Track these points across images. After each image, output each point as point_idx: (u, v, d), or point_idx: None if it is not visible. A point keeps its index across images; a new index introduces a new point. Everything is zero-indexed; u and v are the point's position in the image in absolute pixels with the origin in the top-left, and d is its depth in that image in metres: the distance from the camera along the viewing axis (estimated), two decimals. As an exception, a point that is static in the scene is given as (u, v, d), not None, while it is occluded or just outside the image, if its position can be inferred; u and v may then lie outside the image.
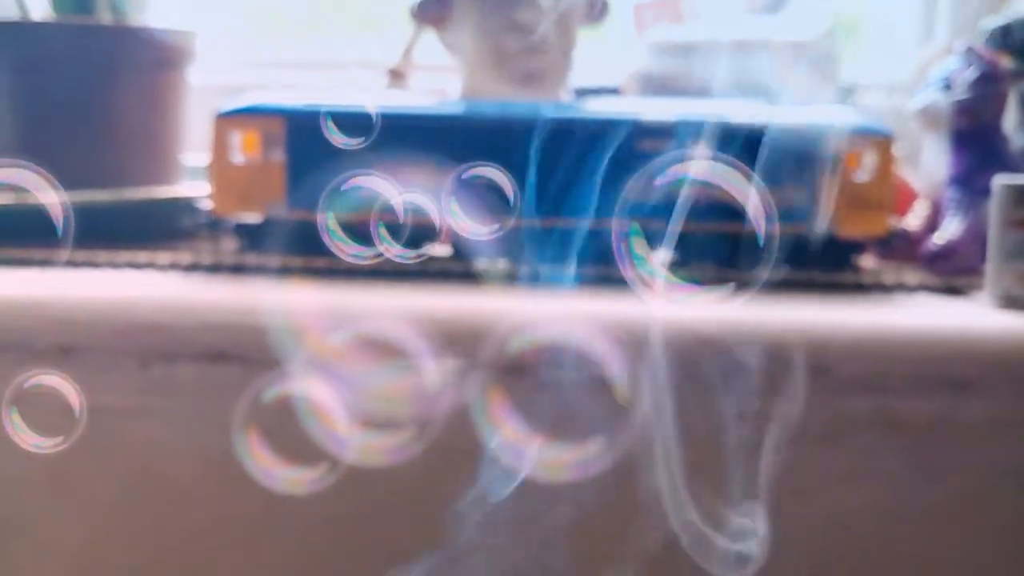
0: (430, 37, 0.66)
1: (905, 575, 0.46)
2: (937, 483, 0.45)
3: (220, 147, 0.50)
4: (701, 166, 0.48)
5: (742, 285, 0.48)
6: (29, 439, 0.40)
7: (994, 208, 0.46)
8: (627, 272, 0.45)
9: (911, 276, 0.52)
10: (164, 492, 0.47)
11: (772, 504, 0.45)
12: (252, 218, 0.50)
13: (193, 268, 0.51)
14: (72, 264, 0.51)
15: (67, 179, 0.53)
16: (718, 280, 0.47)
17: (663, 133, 0.49)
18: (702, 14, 0.71)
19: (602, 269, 0.44)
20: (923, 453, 0.45)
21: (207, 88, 0.60)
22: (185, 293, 0.47)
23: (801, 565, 0.46)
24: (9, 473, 0.47)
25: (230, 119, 0.50)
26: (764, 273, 0.48)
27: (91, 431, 0.46)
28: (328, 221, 0.45)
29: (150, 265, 0.51)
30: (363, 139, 0.46)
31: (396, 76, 0.67)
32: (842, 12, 0.70)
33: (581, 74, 0.65)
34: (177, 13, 0.64)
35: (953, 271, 0.51)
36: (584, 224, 0.47)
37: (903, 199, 0.58)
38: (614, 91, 0.68)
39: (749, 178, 0.48)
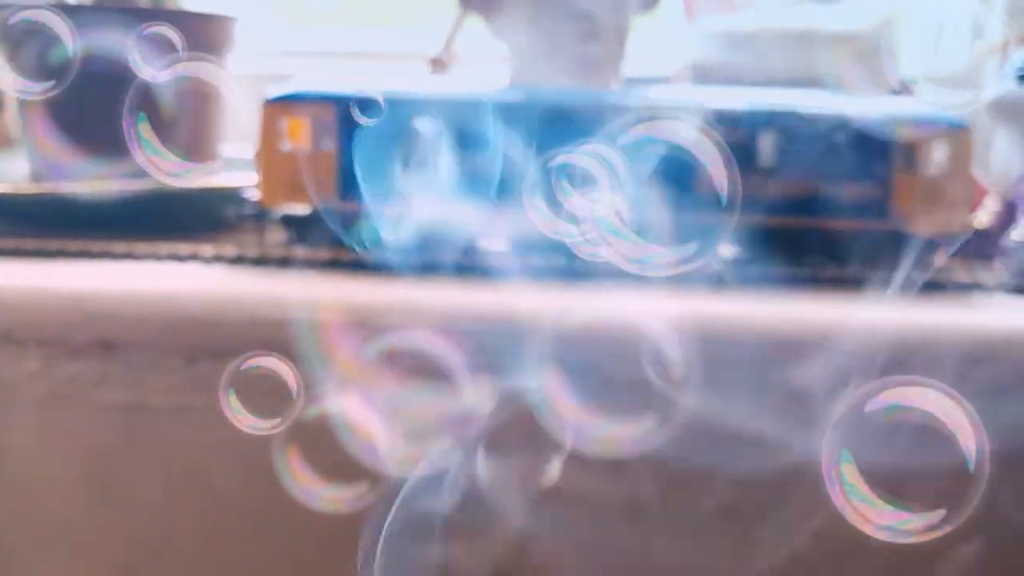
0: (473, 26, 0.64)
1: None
2: None
3: (268, 135, 0.48)
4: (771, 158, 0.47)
5: (831, 281, 0.47)
6: (246, 421, 0.39)
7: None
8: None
9: (987, 275, 0.50)
10: (209, 493, 0.45)
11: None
12: (301, 209, 0.48)
13: (238, 261, 0.49)
14: (111, 256, 0.49)
15: (105, 167, 0.52)
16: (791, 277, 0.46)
17: (734, 122, 0.46)
18: (755, 3, 0.69)
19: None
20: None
21: (246, 77, 0.58)
22: (231, 287, 0.45)
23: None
24: (51, 473, 0.45)
25: (279, 105, 0.47)
26: (851, 270, 0.46)
27: (134, 430, 0.45)
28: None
29: (193, 257, 0.49)
30: (426, 125, 0.44)
31: (438, 65, 0.65)
32: (895, 3, 0.68)
33: (632, 64, 0.63)
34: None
35: (1031, 269, 0.49)
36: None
37: (975, 196, 0.55)
38: (665, 82, 0.66)
39: (820, 171, 0.47)
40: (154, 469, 0.45)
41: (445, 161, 0.47)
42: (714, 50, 0.66)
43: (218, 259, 0.49)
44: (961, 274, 0.49)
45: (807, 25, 0.66)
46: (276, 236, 0.50)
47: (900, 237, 0.47)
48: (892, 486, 0.35)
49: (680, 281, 0.42)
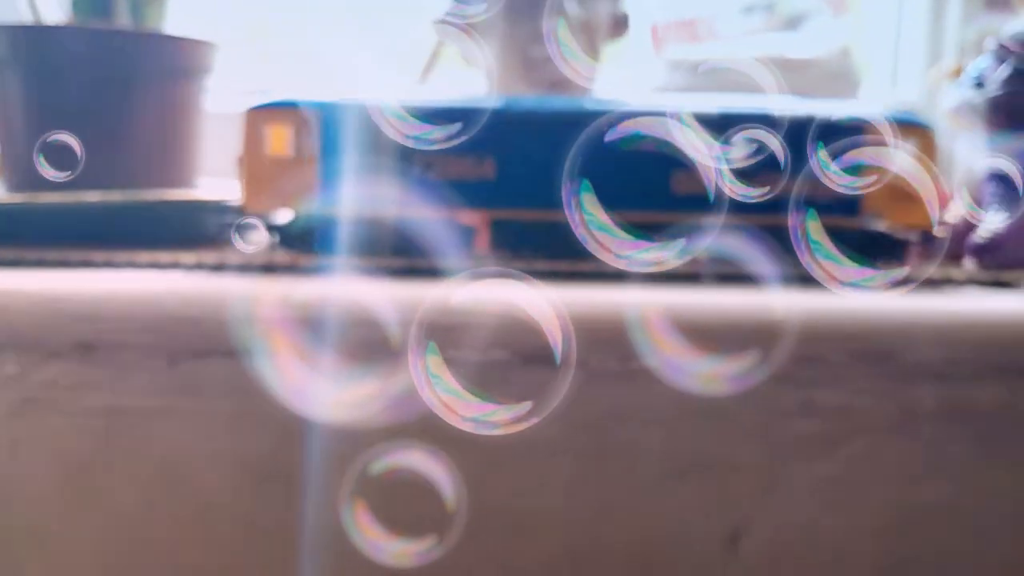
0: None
1: (978, 570, 0.44)
2: (1006, 473, 0.43)
3: (251, 142, 0.48)
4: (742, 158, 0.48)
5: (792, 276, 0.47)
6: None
7: (1045, 193, 0.46)
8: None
9: (957, 272, 0.51)
10: (191, 499, 0.44)
11: (839, 499, 0.43)
12: (284, 215, 0.49)
13: (220, 268, 0.49)
14: (91, 265, 0.49)
15: (83, 181, 0.52)
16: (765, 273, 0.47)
17: (706, 125, 0.48)
18: (721, 34, 0.71)
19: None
20: (991, 443, 0.43)
21: (228, 95, 0.59)
22: (213, 287, 0.45)
23: (870, 561, 0.44)
24: (27, 479, 0.43)
25: (261, 112, 0.48)
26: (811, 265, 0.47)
27: (114, 434, 0.44)
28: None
29: (174, 265, 0.49)
30: (416, 130, 0.45)
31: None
32: (854, 32, 0.71)
33: (604, 90, 0.65)
34: (198, 22, 0.63)
35: (1000, 264, 0.51)
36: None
37: (941, 197, 0.57)
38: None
39: (792, 168, 0.48)
40: (134, 474, 0.44)
41: (426, 167, 0.48)
42: (680, 77, 0.69)
43: (200, 267, 0.49)
44: (932, 269, 0.51)
45: (769, 52, 0.69)
46: (260, 242, 0.50)
47: (870, 234, 0.49)
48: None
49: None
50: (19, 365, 0.43)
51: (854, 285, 0.44)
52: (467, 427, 0.38)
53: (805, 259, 0.45)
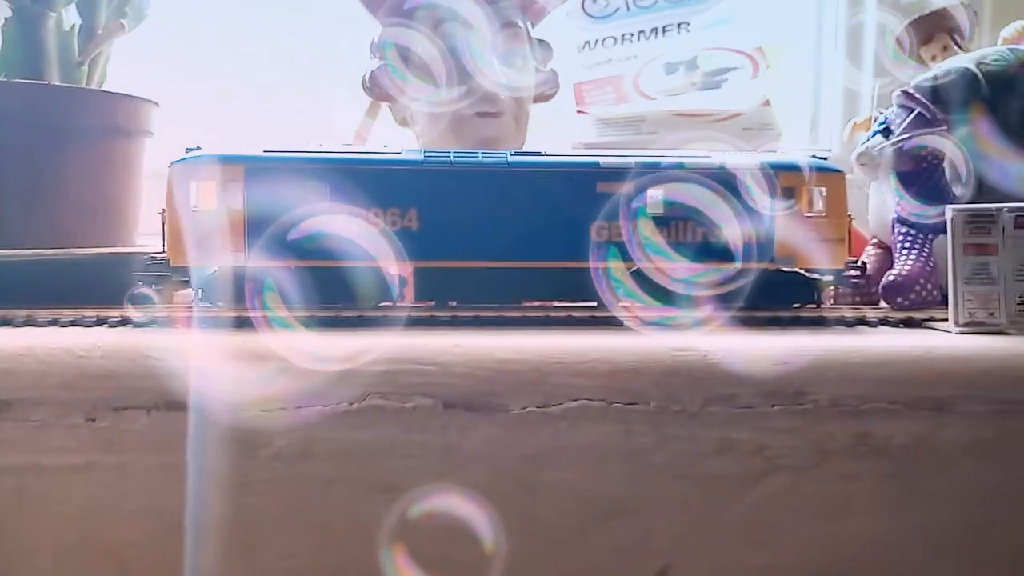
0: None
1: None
2: (922, 507, 0.44)
3: (174, 195, 0.48)
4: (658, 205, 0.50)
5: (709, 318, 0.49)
6: None
7: (949, 236, 0.47)
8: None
9: (870, 312, 0.52)
10: (107, 554, 0.43)
11: (761, 535, 0.44)
12: (208, 268, 0.49)
13: (145, 323, 0.48)
14: (8, 324, 0.48)
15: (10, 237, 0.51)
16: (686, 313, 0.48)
17: (620, 176, 0.49)
18: (645, 92, 0.74)
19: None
20: (906, 478, 0.44)
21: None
22: (132, 341, 0.44)
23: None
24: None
25: (186, 166, 0.48)
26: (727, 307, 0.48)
27: (32, 490, 0.43)
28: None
29: (98, 322, 0.49)
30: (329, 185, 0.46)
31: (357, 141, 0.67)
32: (774, 87, 0.74)
33: (531, 145, 0.67)
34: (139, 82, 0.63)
35: (910, 304, 0.52)
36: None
37: (854, 241, 0.59)
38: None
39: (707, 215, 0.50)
40: (52, 530, 0.43)
41: (354, 219, 0.48)
42: (603, 131, 0.71)
43: (123, 322, 0.49)
44: (846, 312, 0.52)
45: (689, 107, 0.72)
46: (182, 295, 0.50)
47: (784, 275, 0.50)
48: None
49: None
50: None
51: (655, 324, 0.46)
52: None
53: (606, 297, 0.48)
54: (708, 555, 0.44)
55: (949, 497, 0.44)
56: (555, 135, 0.75)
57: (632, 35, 0.75)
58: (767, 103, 0.72)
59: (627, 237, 0.49)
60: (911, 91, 0.56)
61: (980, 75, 0.54)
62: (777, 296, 0.51)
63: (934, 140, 0.53)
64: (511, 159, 0.50)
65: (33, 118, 0.56)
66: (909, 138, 0.54)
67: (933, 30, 0.68)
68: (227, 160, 0.48)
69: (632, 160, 0.50)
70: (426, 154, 0.50)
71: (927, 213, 0.52)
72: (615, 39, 0.75)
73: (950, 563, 0.45)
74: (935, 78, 0.56)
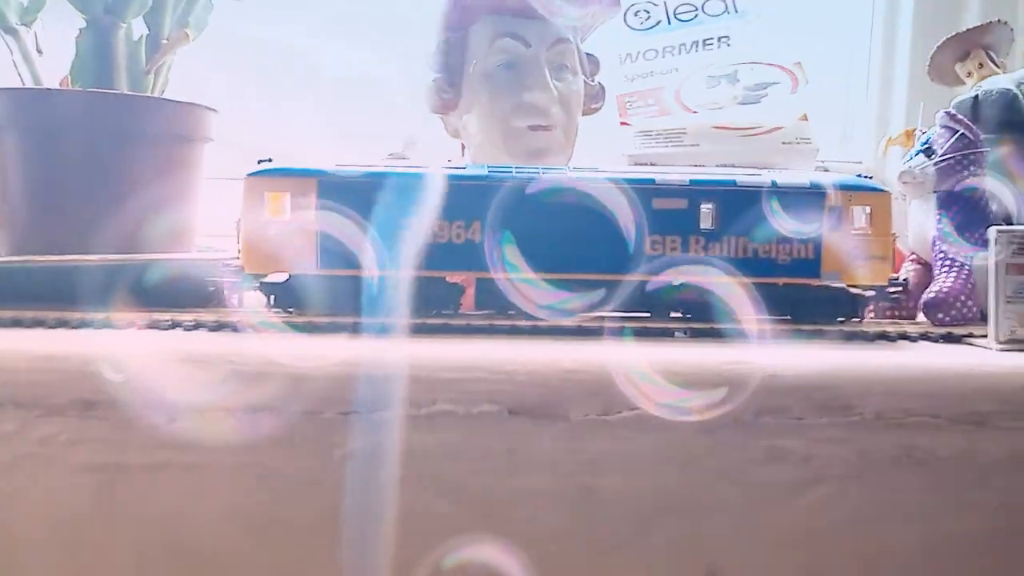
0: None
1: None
2: (962, 517, 0.46)
3: (250, 206, 0.50)
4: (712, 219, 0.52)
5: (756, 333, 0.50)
6: None
7: (992, 255, 0.49)
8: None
9: (911, 327, 0.54)
10: (185, 557, 0.45)
11: (807, 541, 0.46)
12: (279, 276, 0.51)
13: (218, 327, 0.51)
14: (87, 325, 0.50)
15: (84, 243, 0.53)
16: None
17: (676, 192, 0.51)
18: (687, 104, 0.75)
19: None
20: (947, 489, 0.46)
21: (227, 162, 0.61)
22: (207, 347, 0.46)
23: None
24: (22, 536, 0.44)
25: (261, 179, 0.51)
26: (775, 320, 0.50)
27: (113, 490, 0.45)
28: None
29: (173, 325, 0.51)
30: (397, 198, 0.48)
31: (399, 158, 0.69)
32: (810, 102, 0.75)
33: (578, 157, 0.69)
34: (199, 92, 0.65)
35: (951, 320, 0.54)
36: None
37: (896, 258, 0.61)
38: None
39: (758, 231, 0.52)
40: (129, 530, 0.45)
41: (416, 232, 0.50)
42: (646, 143, 0.72)
43: (198, 326, 0.51)
44: (889, 327, 0.54)
45: (727, 120, 0.73)
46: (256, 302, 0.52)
47: (830, 291, 0.52)
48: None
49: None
50: (18, 422, 0.45)
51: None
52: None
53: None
54: (755, 558, 0.46)
55: (988, 508, 0.46)
56: (596, 145, 0.77)
57: (673, 48, 0.77)
58: (805, 117, 0.73)
59: (680, 251, 0.51)
60: (954, 111, 0.57)
61: (1021, 96, 0.56)
62: (823, 311, 0.53)
63: (982, 182, 0.54)
64: (571, 174, 0.52)
65: (104, 126, 0.58)
66: (951, 158, 0.56)
67: (969, 47, 0.70)
68: (302, 174, 0.50)
69: (687, 178, 0.52)
70: (490, 169, 0.52)
71: (968, 236, 0.54)
72: (656, 51, 0.77)
73: (987, 573, 0.46)
74: (976, 99, 0.58)
